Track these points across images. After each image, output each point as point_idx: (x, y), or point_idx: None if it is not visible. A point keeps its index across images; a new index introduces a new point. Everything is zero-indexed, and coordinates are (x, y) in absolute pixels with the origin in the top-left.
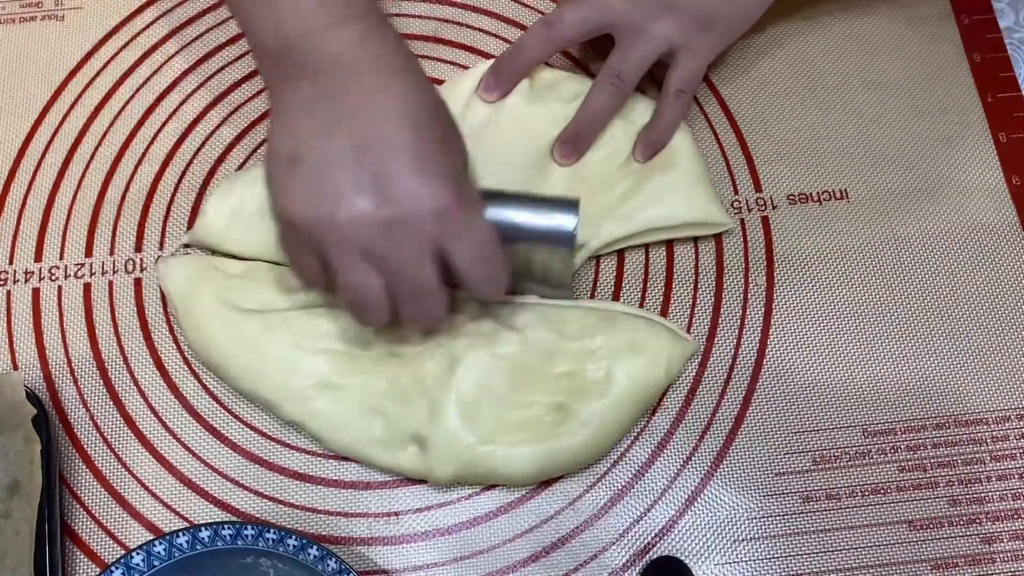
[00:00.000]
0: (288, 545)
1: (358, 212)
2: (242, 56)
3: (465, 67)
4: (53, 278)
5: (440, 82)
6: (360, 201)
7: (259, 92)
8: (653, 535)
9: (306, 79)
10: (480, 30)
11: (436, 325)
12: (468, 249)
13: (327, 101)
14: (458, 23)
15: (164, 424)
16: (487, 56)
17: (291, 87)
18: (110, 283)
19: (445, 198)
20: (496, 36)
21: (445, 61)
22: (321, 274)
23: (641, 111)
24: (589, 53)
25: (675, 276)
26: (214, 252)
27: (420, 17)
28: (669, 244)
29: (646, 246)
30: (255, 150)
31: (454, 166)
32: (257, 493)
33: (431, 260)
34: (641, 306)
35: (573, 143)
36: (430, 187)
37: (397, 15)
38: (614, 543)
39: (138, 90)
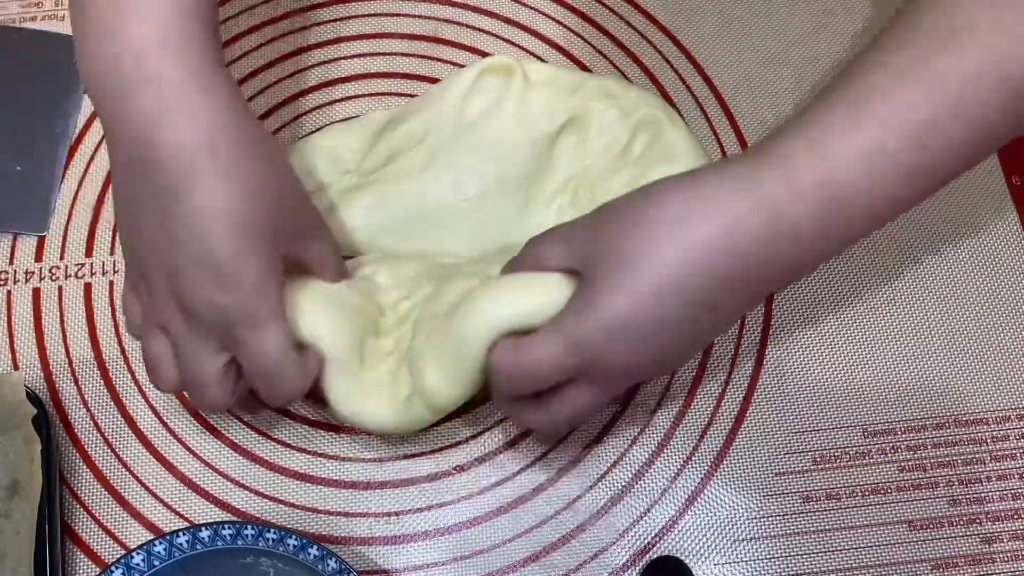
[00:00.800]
0: (288, 545)
1: (162, 290)
2: (242, 56)
3: (464, 67)
4: (54, 278)
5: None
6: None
7: (259, 92)
8: (653, 535)
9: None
10: (480, 30)
11: (216, 408)
12: (247, 362)
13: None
14: (458, 23)
15: (164, 424)
16: (487, 56)
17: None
18: (111, 283)
19: (231, 303)
20: (496, 36)
21: (445, 61)
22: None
23: (633, 101)
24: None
25: None
26: None
27: (420, 17)
28: None
29: None
30: None
31: (259, 268)
32: (257, 493)
33: (214, 354)
34: None
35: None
36: (219, 293)
37: (397, 15)
38: (614, 543)
39: None
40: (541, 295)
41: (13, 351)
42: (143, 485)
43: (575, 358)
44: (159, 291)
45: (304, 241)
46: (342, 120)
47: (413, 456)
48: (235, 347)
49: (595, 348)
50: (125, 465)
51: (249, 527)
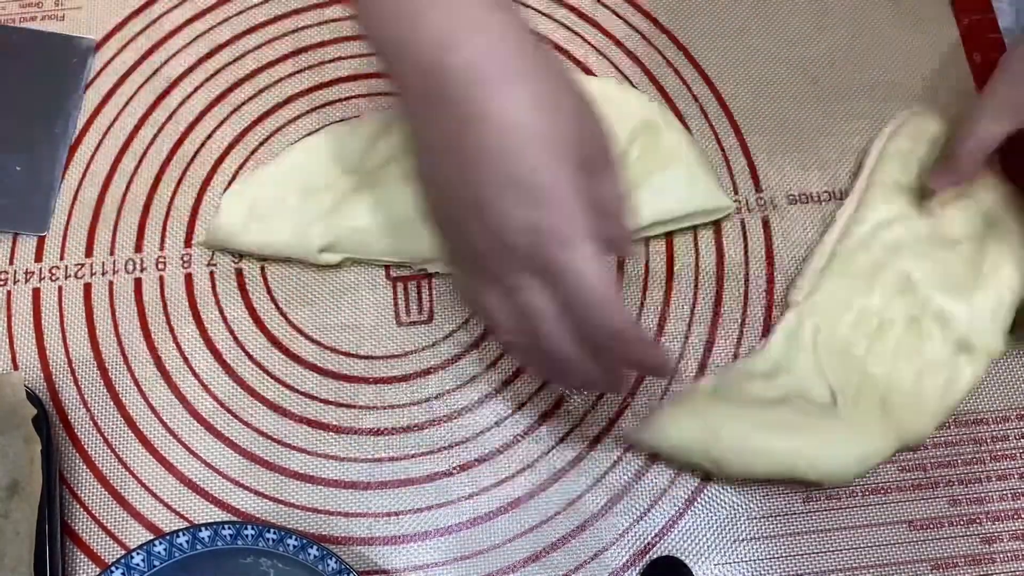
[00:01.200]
0: (288, 545)
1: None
2: (241, 56)
3: None
4: (54, 278)
5: None
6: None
7: (259, 92)
8: (653, 535)
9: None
10: None
11: (572, 369)
12: (566, 288)
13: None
14: None
15: (164, 424)
16: None
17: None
18: (110, 283)
19: (542, 219)
20: None
21: None
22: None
23: (631, 104)
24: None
25: (675, 276)
26: (227, 250)
27: None
28: (669, 244)
29: (646, 248)
30: (255, 150)
31: (567, 180)
32: (257, 493)
33: (541, 290)
34: (641, 307)
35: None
36: (530, 210)
37: None
38: (614, 543)
39: (138, 90)
40: None
41: (13, 351)
42: (143, 485)
43: None
44: (476, 243)
45: (599, 172)
46: (341, 120)
47: (413, 456)
48: (553, 278)
49: None
50: (125, 465)
51: (249, 527)
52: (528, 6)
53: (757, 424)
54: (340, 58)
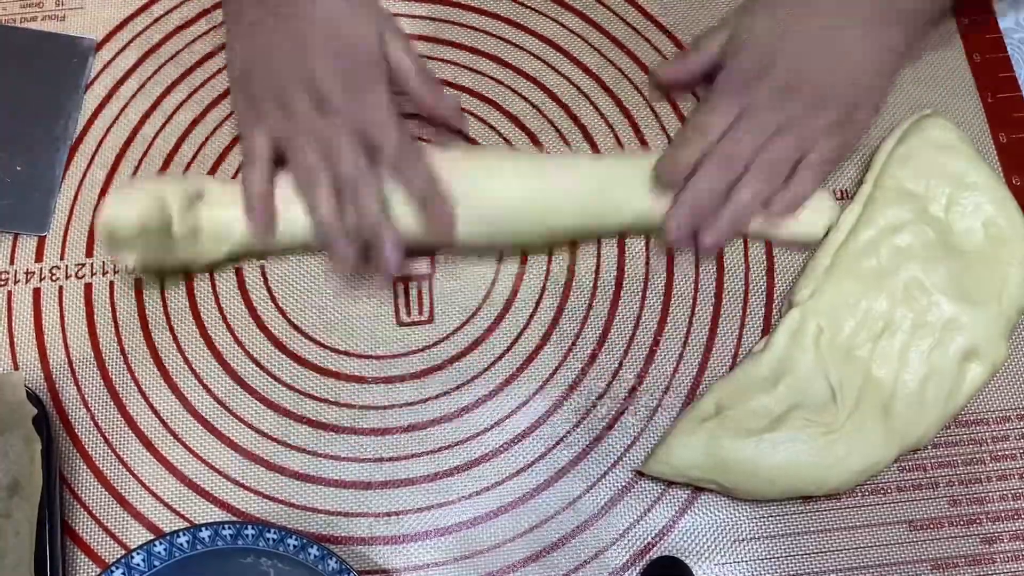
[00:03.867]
0: (288, 545)
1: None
2: None
3: (465, 67)
4: (54, 278)
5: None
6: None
7: None
8: (653, 535)
9: None
10: (480, 30)
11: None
12: (364, 120)
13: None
14: (458, 23)
15: (165, 424)
16: (487, 56)
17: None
18: (111, 283)
19: (350, 66)
20: (496, 36)
21: (445, 61)
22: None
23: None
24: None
25: (675, 276)
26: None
27: (420, 17)
28: (669, 247)
29: (646, 247)
30: None
31: (372, 34)
32: (257, 493)
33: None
34: (641, 308)
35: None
36: (342, 60)
37: (397, 15)
38: (614, 543)
39: (138, 90)
40: None
41: (13, 351)
42: (143, 485)
43: None
44: (296, 102)
45: (387, 40)
46: None
47: (413, 456)
48: (358, 114)
49: None
50: (125, 465)
51: (249, 527)
52: (528, 6)
53: (763, 453)
54: None
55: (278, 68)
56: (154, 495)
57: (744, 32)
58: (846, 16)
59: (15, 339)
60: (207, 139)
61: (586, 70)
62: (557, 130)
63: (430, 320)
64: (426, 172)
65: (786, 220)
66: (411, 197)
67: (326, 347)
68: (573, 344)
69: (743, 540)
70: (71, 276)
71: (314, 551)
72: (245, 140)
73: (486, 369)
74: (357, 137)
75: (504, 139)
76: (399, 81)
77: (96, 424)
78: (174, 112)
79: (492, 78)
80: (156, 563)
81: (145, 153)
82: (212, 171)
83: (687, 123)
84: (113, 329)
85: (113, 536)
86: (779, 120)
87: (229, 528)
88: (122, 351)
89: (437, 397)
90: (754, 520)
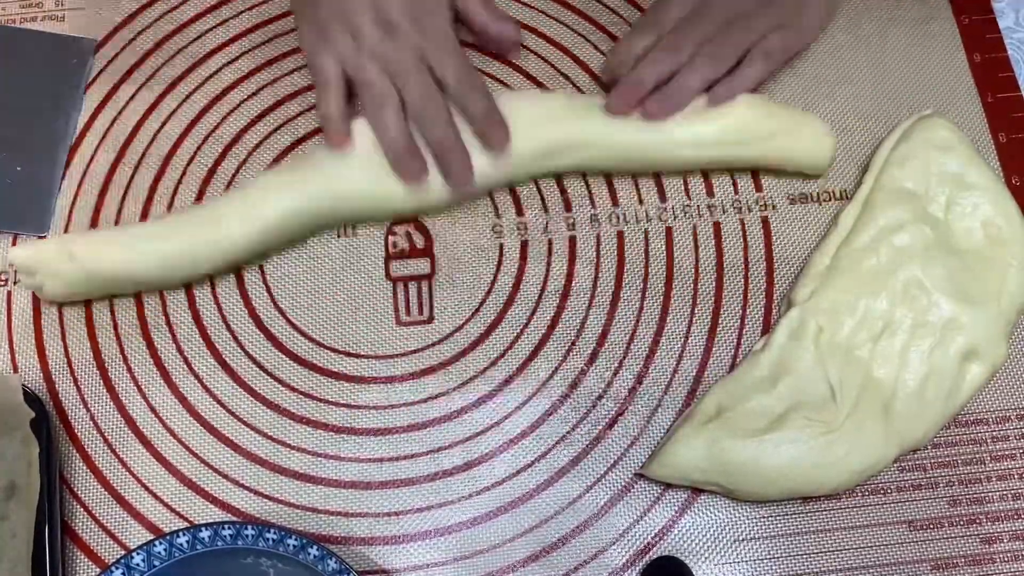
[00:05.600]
0: (288, 545)
1: None
2: (241, 56)
3: None
4: None
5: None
6: None
7: (258, 91)
8: (653, 535)
9: None
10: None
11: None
12: (429, 44)
13: None
14: (458, 23)
15: (164, 424)
16: (487, 56)
17: None
18: None
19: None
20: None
21: None
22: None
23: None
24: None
25: (675, 276)
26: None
27: None
28: (669, 243)
29: (646, 247)
30: (255, 149)
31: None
32: (257, 493)
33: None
34: (641, 308)
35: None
36: None
37: None
38: (614, 543)
39: (138, 90)
40: None
41: (13, 351)
42: (143, 485)
43: None
44: (363, 26)
45: None
46: None
47: (413, 456)
48: (421, 39)
49: None
50: (125, 465)
51: (249, 527)
52: (528, 5)
53: (764, 453)
54: None
55: None
56: (154, 495)
57: None
58: None
59: (14, 339)
60: (206, 138)
61: (586, 69)
62: None
63: (430, 320)
64: (484, 93)
65: (728, 104)
66: (469, 118)
67: (326, 347)
68: (573, 344)
69: (743, 540)
70: None
71: (314, 551)
72: (314, 67)
73: (486, 369)
74: (422, 61)
75: None
76: (464, 8)
77: (96, 424)
78: (174, 112)
79: (492, 78)
80: (156, 563)
81: (145, 153)
82: (212, 171)
83: (643, 16)
84: (112, 329)
85: (113, 536)
86: (727, 16)
87: (229, 528)
88: (121, 351)
89: (437, 397)
90: (754, 520)
